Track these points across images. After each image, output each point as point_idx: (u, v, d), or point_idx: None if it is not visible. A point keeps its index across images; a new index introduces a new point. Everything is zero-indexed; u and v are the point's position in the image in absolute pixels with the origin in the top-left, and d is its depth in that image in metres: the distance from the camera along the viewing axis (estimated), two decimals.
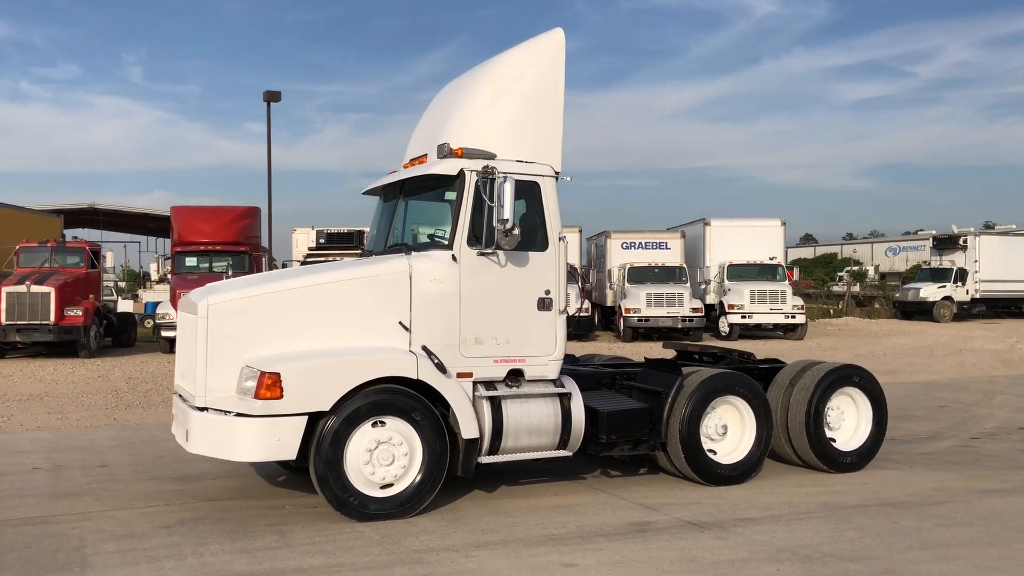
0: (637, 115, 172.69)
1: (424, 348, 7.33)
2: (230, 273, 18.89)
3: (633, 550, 6.32)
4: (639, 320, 27.76)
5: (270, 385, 6.75)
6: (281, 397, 6.76)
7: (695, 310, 27.88)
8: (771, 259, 30.26)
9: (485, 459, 7.52)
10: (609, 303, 30.90)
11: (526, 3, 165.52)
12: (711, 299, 30.18)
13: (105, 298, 27.94)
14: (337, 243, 26.45)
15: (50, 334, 21.52)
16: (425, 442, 7.20)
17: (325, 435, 6.90)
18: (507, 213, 7.30)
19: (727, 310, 28.80)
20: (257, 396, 6.76)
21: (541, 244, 7.88)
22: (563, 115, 8.05)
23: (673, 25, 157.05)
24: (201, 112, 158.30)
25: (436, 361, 7.26)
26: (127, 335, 25.47)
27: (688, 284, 28.99)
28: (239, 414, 6.83)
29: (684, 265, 30.09)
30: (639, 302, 27.85)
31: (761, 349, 24.10)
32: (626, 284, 29.17)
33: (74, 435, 11.36)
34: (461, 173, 7.59)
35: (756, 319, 28.61)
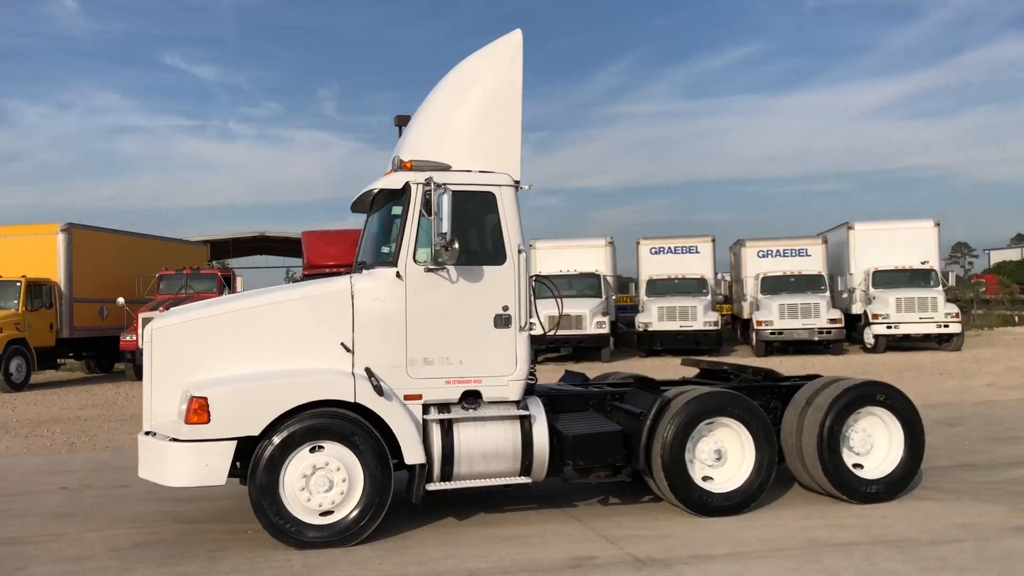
0: (826, 117, 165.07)
1: (367, 370, 7.08)
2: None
3: None
4: (772, 333, 26.34)
5: (197, 410, 6.69)
6: (208, 422, 6.69)
7: (833, 321, 26.14)
8: (923, 263, 27.92)
9: (435, 486, 7.17)
10: (745, 315, 29.50)
11: (704, 10, 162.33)
12: (857, 309, 28.19)
13: None
14: None
15: None
16: (366, 468, 6.93)
17: (260, 460, 6.78)
18: (445, 227, 6.96)
19: (871, 320, 26.79)
20: (186, 421, 6.72)
21: (498, 257, 7.47)
22: (521, 121, 7.62)
23: (862, 20, 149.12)
24: (390, 140, 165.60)
25: (375, 383, 6.98)
26: None
27: (827, 293, 27.22)
28: (172, 439, 6.82)
29: (823, 273, 28.26)
30: (771, 314, 26.43)
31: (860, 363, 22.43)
32: (759, 295, 27.77)
33: (132, 455, 11.83)
34: (407, 186, 7.32)
35: (904, 329, 26.44)
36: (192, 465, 6.73)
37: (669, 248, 30.38)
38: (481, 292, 7.38)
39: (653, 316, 27.17)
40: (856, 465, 8.04)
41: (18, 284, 22.65)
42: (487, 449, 7.25)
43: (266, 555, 6.72)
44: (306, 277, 26.92)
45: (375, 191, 7.74)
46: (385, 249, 7.52)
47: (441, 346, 7.28)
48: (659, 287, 28.68)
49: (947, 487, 8.50)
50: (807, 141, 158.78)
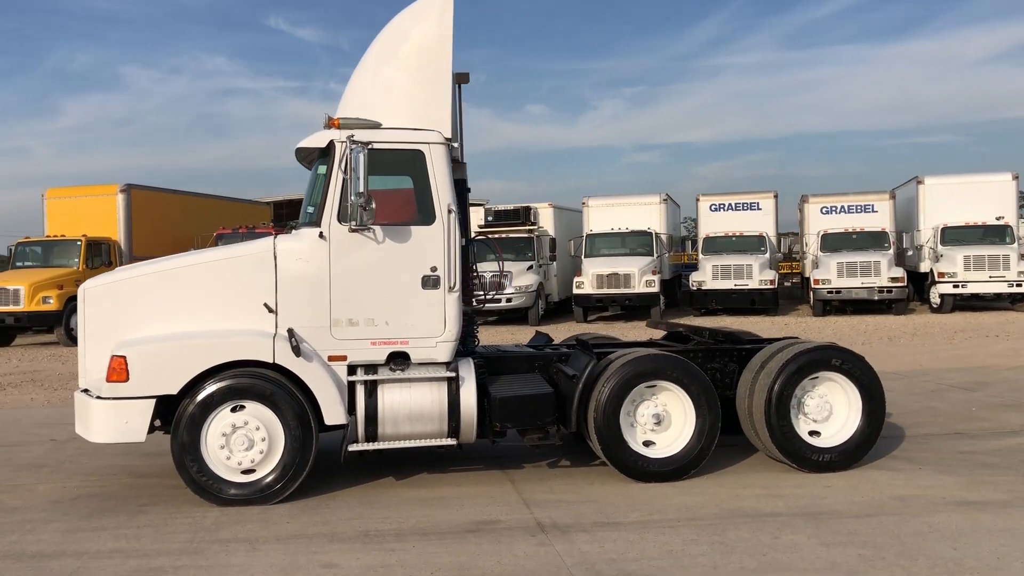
0: (935, 65, 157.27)
1: (289, 330, 7.07)
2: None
3: (422, 553, 5.72)
4: (829, 292, 25.44)
5: (116, 368, 6.82)
6: (127, 380, 6.82)
7: (895, 279, 25.08)
8: (997, 219, 26.45)
9: (357, 446, 7.16)
10: (808, 273, 28.57)
11: None
12: (924, 267, 26.98)
13: None
14: (504, 220, 26.51)
15: None
16: (287, 428, 6.97)
17: (181, 418, 6.88)
18: (361, 186, 6.86)
19: (937, 279, 25.59)
20: (107, 379, 6.86)
21: (426, 217, 7.34)
22: (451, 76, 7.42)
23: None
24: (486, 98, 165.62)
25: (294, 344, 6.97)
26: None
27: (890, 251, 26.10)
28: (98, 396, 6.97)
29: (887, 230, 27.07)
30: (829, 272, 25.52)
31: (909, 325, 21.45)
32: (819, 252, 26.83)
33: None
34: (331, 145, 7.23)
35: (972, 288, 25.17)
36: (113, 422, 6.87)
37: (729, 205, 29.54)
38: (408, 253, 7.27)
39: (707, 274, 26.55)
40: (813, 432, 7.70)
41: (79, 243, 23.56)
42: (412, 410, 7.19)
43: (186, 511, 6.84)
44: None
45: (302, 149, 7.66)
46: (311, 209, 7.47)
47: (366, 307, 7.22)
48: (716, 245, 27.97)
49: (917, 456, 8.07)
50: (914, 91, 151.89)
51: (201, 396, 6.87)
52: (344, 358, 7.20)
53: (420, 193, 7.42)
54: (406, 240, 7.27)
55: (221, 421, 6.92)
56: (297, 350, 6.97)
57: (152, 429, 7.10)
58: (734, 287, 26.25)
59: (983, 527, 5.95)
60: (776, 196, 29.51)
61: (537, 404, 7.37)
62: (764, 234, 27.93)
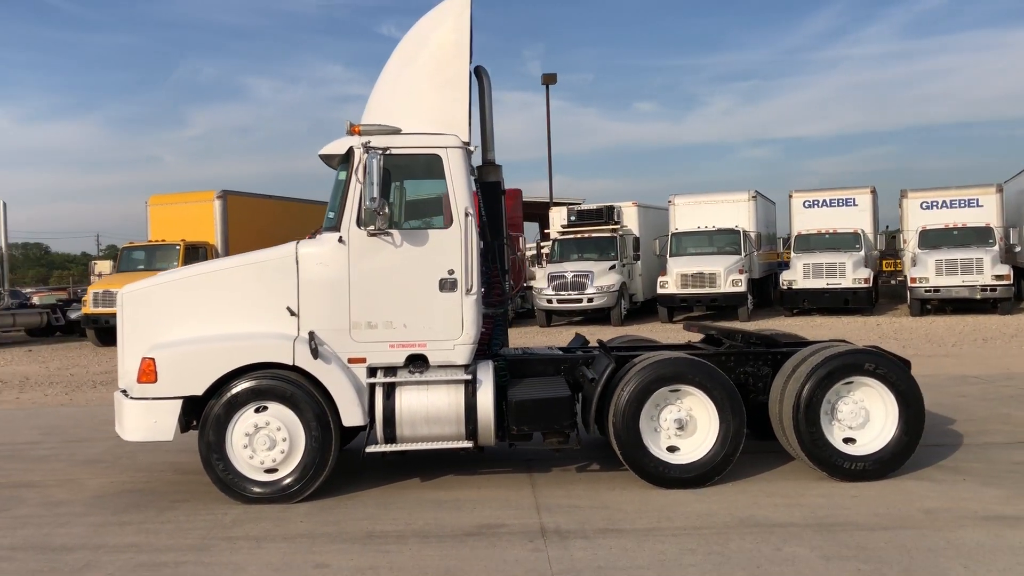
0: None
1: (310, 333, 7.23)
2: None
3: (416, 556, 5.77)
4: (926, 291, 24.37)
5: (145, 370, 7.12)
6: (156, 381, 7.10)
7: (999, 278, 23.82)
8: None
9: (374, 448, 7.26)
10: (907, 272, 27.39)
11: None
12: None
13: None
14: (587, 220, 26.40)
15: None
16: (307, 428, 7.13)
17: (208, 418, 7.13)
18: (375, 192, 6.96)
19: None
20: (137, 380, 7.16)
21: (441, 221, 7.38)
22: (467, 80, 7.45)
23: None
24: (593, 97, 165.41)
25: (313, 346, 7.13)
26: None
27: (995, 248, 24.80)
28: (131, 397, 7.28)
29: (993, 225, 25.72)
30: (927, 270, 24.44)
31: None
32: (917, 249, 25.72)
33: None
34: (350, 151, 7.36)
35: None
36: (143, 421, 7.17)
37: (824, 201, 28.67)
38: (426, 256, 7.32)
39: (798, 273, 25.83)
40: (848, 439, 7.41)
41: (177, 247, 24.62)
42: (429, 413, 7.24)
43: (211, 508, 7.08)
44: None
45: (322, 156, 7.80)
46: (331, 214, 7.61)
47: (385, 310, 7.31)
48: (809, 242, 27.17)
49: (967, 466, 7.67)
50: None
51: (226, 397, 7.10)
52: (364, 360, 7.31)
53: (435, 195, 7.47)
54: (424, 243, 7.33)
55: (245, 421, 7.13)
56: (315, 352, 7.12)
57: (188, 428, 7.38)
58: (826, 286, 25.45)
59: (1006, 544, 5.61)
60: (874, 191, 28.47)
61: (554, 407, 7.32)
62: (859, 231, 26.96)
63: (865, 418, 7.41)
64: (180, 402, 7.13)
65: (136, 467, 8.78)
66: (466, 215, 7.33)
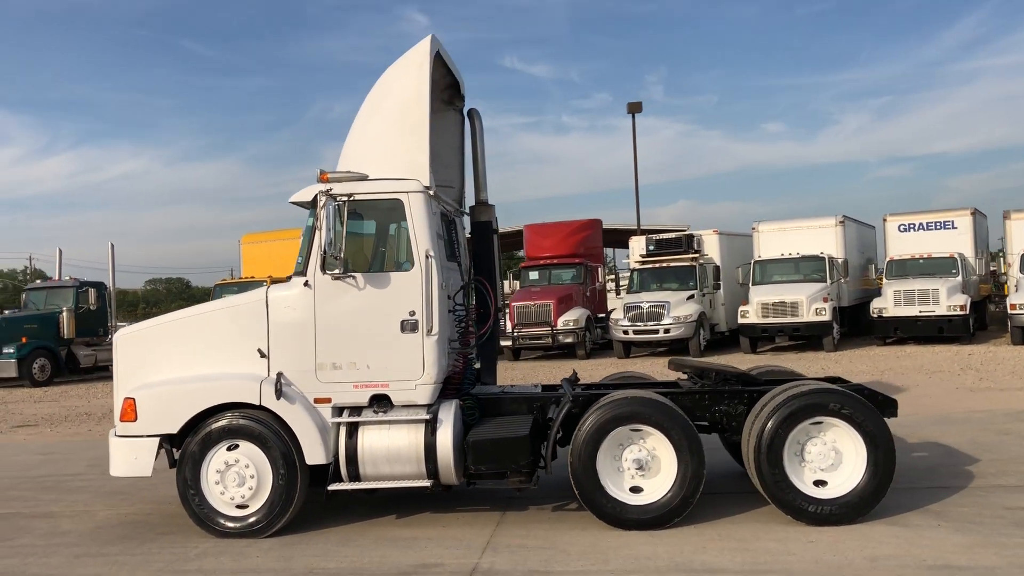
0: None
1: (278, 374, 7.53)
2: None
3: None
4: None
5: (126, 409, 7.58)
6: (135, 420, 7.55)
7: None
8: None
9: (336, 486, 7.47)
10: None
11: None
12: None
13: None
14: (666, 249, 26.13)
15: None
16: (274, 466, 7.42)
17: (185, 455, 7.51)
18: (327, 238, 7.24)
19: None
20: (120, 419, 7.62)
21: (403, 264, 7.58)
22: (427, 127, 7.63)
23: None
24: (718, 119, 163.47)
25: (278, 387, 7.42)
26: None
27: None
28: (116, 435, 7.75)
29: None
30: None
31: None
32: (1019, 274, 24.29)
33: None
34: (316, 198, 7.65)
35: None
36: (124, 457, 7.61)
37: (920, 224, 27.44)
38: (388, 298, 7.52)
39: (889, 300, 24.76)
40: (819, 482, 7.18)
41: (264, 284, 25.66)
42: (390, 452, 7.41)
43: (186, 541, 7.44)
44: (523, 269, 27.96)
45: (294, 203, 8.12)
46: (300, 259, 7.90)
47: (349, 351, 7.54)
48: (903, 268, 26.01)
49: (953, 511, 7.29)
50: None
51: (200, 435, 7.48)
52: (329, 400, 7.55)
53: (400, 240, 7.67)
54: (386, 286, 7.54)
55: (218, 459, 7.47)
56: (279, 393, 7.41)
57: (175, 464, 7.78)
58: (919, 314, 24.30)
59: None
60: (974, 213, 27.07)
61: (510, 447, 7.35)
62: (956, 255, 25.67)
63: (835, 460, 7.16)
64: (157, 440, 7.54)
65: (149, 499, 9.26)
66: (427, 257, 7.50)
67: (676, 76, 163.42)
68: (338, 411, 7.57)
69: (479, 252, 9.07)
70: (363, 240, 7.92)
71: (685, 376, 8.76)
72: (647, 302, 24.64)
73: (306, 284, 7.58)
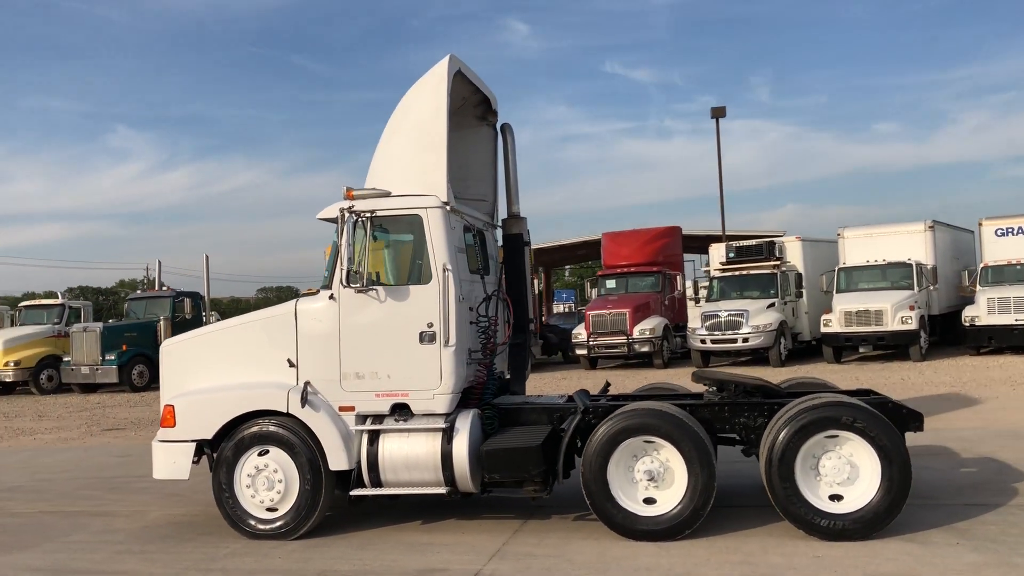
0: None
1: (306, 383, 7.88)
2: None
3: None
4: None
5: (166, 416, 8.06)
6: (174, 426, 8.01)
7: None
8: None
9: (357, 491, 7.76)
10: None
11: None
12: None
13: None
14: (746, 256, 25.73)
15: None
16: (301, 471, 7.76)
17: (219, 460, 7.94)
18: (346, 254, 7.55)
19: None
20: (161, 424, 8.10)
21: (424, 277, 7.82)
22: (445, 144, 7.86)
23: None
24: (828, 121, 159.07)
25: (304, 395, 7.76)
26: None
27: None
28: (158, 440, 8.23)
29: None
30: None
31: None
32: None
33: None
34: (340, 214, 7.96)
35: None
36: (164, 461, 8.09)
37: (1019, 228, 26.20)
38: (407, 310, 7.78)
39: (982, 308, 23.79)
40: (835, 496, 7.08)
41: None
42: (408, 459, 7.66)
43: (219, 542, 7.84)
44: (601, 278, 27.97)
45: (321, 220, 8.45)
46: (327, 273, 8.22)
47: (371, 362, 7.82)
48: (999, 274, 24.95)
49: (978, 530, 7.07)
50: None
51: (234, 440, 7.89)
52: (353, 408, 7.85)
53: (421, 254, 7.91)
54: (405, 298, 7.80)
55: (250, 463, 7.86)
56: (304, 400, 7.75)
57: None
58: (1015, 322, 23.27)
59: None
60: None
61: (522, 457, 7.49)
62: None
63: (851, 474, 7.05)
64: (194, 445, 7.98)
65: (201, 502, 9.71)
66: (444, 271, 7.72)
67: (783, 77, 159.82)
68: (362, 419, 7.85)
69: (511, 264, 9.26)
70: (385, 255, 8.19)
71: (711, 389, 8.71)
72: (725, 311, 24.32)
73: (331, 297, 7.90)
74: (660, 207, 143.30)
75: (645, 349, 25.15)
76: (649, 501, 7.32)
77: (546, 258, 49.39)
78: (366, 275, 7.65)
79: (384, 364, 7.81)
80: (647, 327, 25.19)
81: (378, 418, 7.84)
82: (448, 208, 7.88)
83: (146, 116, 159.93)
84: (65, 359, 26.29)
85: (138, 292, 34.23)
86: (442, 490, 7.62)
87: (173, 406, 8.04)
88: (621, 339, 25.04)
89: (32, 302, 32.10)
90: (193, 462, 8.10)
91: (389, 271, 8.15)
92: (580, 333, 25.77)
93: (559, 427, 7.76)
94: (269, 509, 7.85)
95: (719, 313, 24.31)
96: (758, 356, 24.52)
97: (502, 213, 9.53)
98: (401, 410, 7.82)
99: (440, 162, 7.87)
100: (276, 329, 8.13)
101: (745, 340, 23.86)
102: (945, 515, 7.51)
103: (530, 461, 7.49)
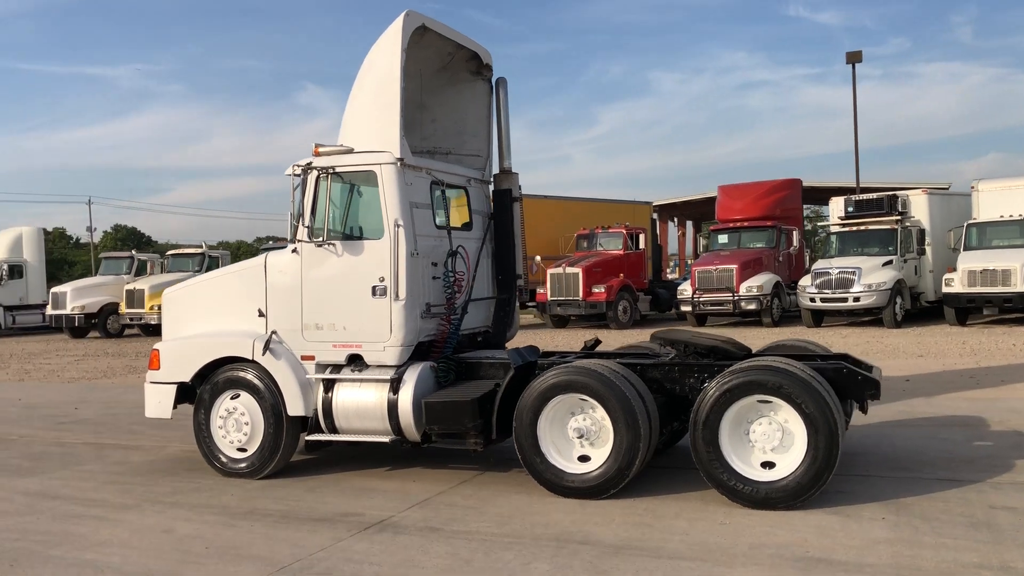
0: None
1: (272, 332, 8.27)
2: None
3: (240, 531, 6.59)
4: None
5: (153, 359, 8.66)
6: (159, 369, 8.62)
7: None
8: None
9: (311, 437, 8.13)
10: None
11: None
12: None
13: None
14: (867, 211, 24.29)
15: (579, 308, 25.11)
16: (265, 415, 8.20)
17: (199, 401, 8.50)
18: (297, 210, 7.85)
19: None
20: (149, 367, 8.73)
21: (377, 232, 7.99)
22: (399, 102, 7.93)
23: None
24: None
25: (267, 344, 8.15)
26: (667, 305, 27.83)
27: None
28: (148, 381, 8.88)
29: None
30: None
31: None
32: None
33: None
34: (302, 170, 8.22)
35: None
36: (151, 401, 8.73)
37: None
38: (361, 264, 7.99)
39: None
40: (767, 463, 6.83)
41: None
42: (359, 408, 7.93)
43: (200, 477, 8.40)
44: (712, 232, 27.24)
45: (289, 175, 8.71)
46: (291, 227, 8.51)
47: (329, 313, 8.11)
48: None
49: (922, 505, 6.64)
50: None
51: (210, 383, 8.41)
52: (313, 358, 8.18)
53: (376, 209, 8.07)
54: (360, 253, 8.01)
55: (223, 406, 8.36)
56: (267, 348, 8.14)
57: None
58: None
59: None
60: None
61: (458, 410, 7.58)
62: None
63: (784, 441, 6.76)
64: (175, 387, 8.56)
65: None
66: (395, 226, 7.87)
67: (988, 15, 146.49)
68: (321, 368, 8.17)
69: (499, 220, 9.28)
70: (343, 210, 8.40)
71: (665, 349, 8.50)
72: (837, 268, 23.15)
73: (294, 250, 8.22)
74: (838, 157, 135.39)
75: (752, 307, 24.38)
76: (584, 459, 7.28)
77: (704, 209, 48.51)
78: (326, 230, 7.90)
79: (340, 316, 8.07)
80: (755, 284, 24.39)
81: (336, 368, 8.14)
82: (403, 164, 7.98)
83: (330, 75, 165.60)
84: None
85: (269, 243, 36.08)
86: (387, 439, 7.85)
87: (159, 350, 8.63)
88: (727, 296, 24.37)
89: (177, 251, 34.54)
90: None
91: (347, 226, 8.36)
92: (686, 290, 25.25)
93: (496, 384, 7.79)
94: (239, 449, 8.33)
95: (830, 270, 23.18)
96: (874, 317, 23.27)
97: (493, 168, 9.53)
98: (357, 361, 8.08)
99: (394, 118, 7.96)
100: (249, 280, 8.54)
101: (856, 299, 22.67)
102: (903, 488, 7.10)
103: (465, 414, 7.58)
